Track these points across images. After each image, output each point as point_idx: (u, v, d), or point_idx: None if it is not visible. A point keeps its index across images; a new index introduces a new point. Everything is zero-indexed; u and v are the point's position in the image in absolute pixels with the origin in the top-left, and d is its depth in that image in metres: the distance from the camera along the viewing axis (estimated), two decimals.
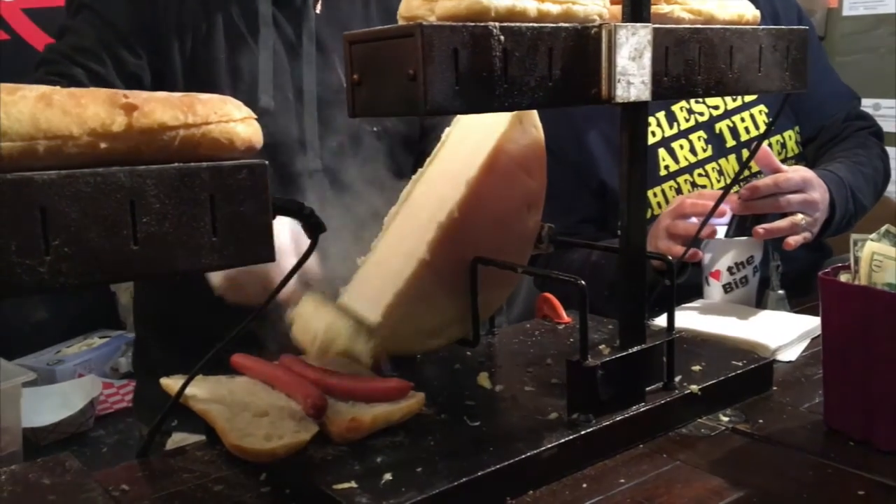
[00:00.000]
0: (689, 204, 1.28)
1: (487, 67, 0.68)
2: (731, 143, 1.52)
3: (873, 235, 0.83)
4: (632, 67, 0.77)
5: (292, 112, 1.23)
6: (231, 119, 0.58)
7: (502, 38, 0.69)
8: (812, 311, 1.21)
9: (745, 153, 1.51)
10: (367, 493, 0.70)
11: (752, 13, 0.93)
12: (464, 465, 0.74)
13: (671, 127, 1.51)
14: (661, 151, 1.50)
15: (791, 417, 0.90)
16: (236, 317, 0.84)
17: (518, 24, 0.70)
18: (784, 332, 1.10)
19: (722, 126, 1.52)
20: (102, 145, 0.52)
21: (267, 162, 0.58)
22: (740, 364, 0.95)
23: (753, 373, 0.95)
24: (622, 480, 0.78)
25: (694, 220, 1.27)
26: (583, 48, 0.75)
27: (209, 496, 0.78)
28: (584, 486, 0.77)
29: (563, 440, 0.79)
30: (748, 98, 1.54)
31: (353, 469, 0.75)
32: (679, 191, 1.50)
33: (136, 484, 0.80)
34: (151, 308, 1.35)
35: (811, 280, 1.53)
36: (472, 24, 0.67)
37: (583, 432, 0.80)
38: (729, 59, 0.87)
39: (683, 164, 1.50)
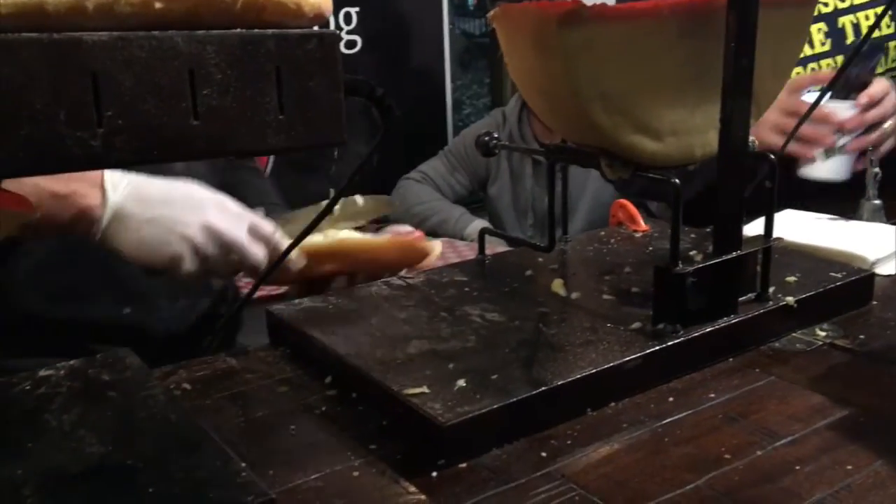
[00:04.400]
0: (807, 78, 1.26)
1: None
2: (850, 39, 1.40)
3: None
4: None
5: None
6: None
7: None
8: None
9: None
10: (439, 398, 0.66)
11: None
12: (541, 373, 0.69)
13: None
14: None
15: (894, 333, 0.83)
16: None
17: None
18: (882, 244, 1.02)
19: (845, 21, 1.40)
20: (157, 5, 0.46)
21: (339, 31, 0.52)
22: (839, 276, 0.88)
23: (853, 285, 0.88)
24: (712, 395, 0.72)
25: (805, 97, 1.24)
26: None
27: (273, 397, 0.74)
28: (671, 399, 0.72)
29: (647, 351, 0.73)
30: None
31: (423, 374, 0.70)
32: None
33: (198, 383, 0.77)
34: None
35: None
36: None
37: (669, 343, 0.74)
38: None
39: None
